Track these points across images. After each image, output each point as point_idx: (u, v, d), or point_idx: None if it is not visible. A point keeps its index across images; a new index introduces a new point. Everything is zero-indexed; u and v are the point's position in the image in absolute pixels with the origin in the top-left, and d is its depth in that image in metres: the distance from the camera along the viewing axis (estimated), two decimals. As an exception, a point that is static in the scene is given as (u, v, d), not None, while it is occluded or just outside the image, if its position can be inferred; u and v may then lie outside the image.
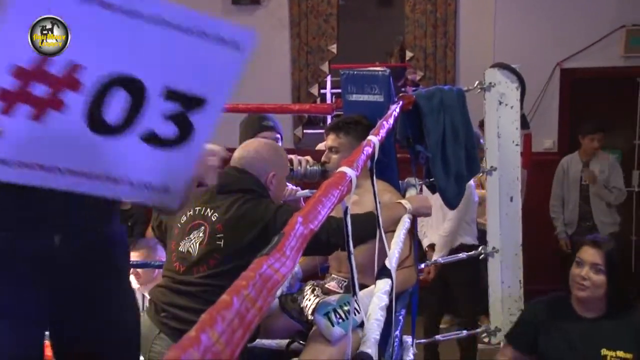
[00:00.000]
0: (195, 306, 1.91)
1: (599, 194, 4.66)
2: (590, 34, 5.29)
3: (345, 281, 2.25)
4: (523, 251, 2.77)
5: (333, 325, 1.98)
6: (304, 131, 5.95)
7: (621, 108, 5.57)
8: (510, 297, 2.78)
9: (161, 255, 3.35)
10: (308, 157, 2.45)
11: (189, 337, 0.52)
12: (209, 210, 2.02)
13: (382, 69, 2.45)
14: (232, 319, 0.57)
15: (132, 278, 3.35)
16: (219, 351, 0.52)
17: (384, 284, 1.49)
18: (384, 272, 1.55)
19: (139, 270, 3.25)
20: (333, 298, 2.11)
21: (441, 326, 4.28)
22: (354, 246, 1.88)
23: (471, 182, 3.66)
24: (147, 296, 3.25)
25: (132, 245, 3.45)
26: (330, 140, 2.32)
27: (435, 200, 2.71)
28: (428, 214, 2.23)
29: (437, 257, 3.66)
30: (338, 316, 1.99)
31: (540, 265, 5.15)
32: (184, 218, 2.07)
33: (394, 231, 1.94)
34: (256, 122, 2.66)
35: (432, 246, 3.93)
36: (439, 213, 3.85)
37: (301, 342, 2.21)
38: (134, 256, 3.28)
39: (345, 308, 2.01)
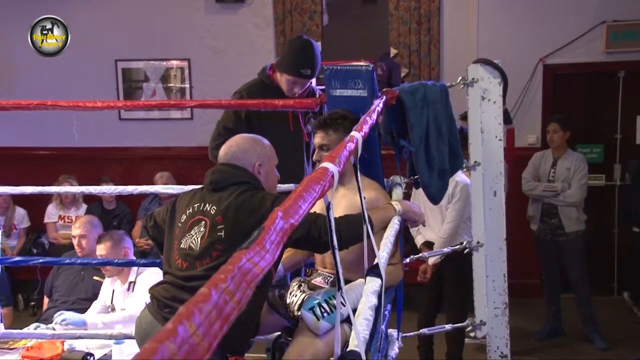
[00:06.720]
0: None
1: (563, 196, 4.56)
2: (572, 30, 5.35)
3: (331, 277, 2.26)
4: (507, 245, 2.79)
5: (319, 319, 1.99)
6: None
7: (603, 103, 5.62)
8: (494, 291, 2.80)
9: (128, 246, 3.46)
10: None
11: (166, 330, 0.52)
12: (207, 205, 2.06)
13: (365, 63, 2.45)
14: (209, 312, 0.57)
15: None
16: (196, 343, 0.52)
17: (373, 284, 1.49)
18: (374, 271, 1.54)
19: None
20: (318, 293, 2.12)
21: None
22: (348, 247, 1.90)
23: (467, 180, 3.65)
24: (116, 290, 3.35)
25: (98, 239, 3.57)
26: (320, 138, 2.32)
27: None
28: (416, 221, 2.20)
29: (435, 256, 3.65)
30: (323, 310, 2.01)
31: (523, 260, 5.19)
32: (183, 217, 2.11)
33: (384, 230, 1.96)
34: None
35: (426, 244, 3.92)
36: (436, 213, 3.85)
37: (288, 338, 2.22)
38: (100, 249, 3.39)
39: (332, 302, 2.03)
